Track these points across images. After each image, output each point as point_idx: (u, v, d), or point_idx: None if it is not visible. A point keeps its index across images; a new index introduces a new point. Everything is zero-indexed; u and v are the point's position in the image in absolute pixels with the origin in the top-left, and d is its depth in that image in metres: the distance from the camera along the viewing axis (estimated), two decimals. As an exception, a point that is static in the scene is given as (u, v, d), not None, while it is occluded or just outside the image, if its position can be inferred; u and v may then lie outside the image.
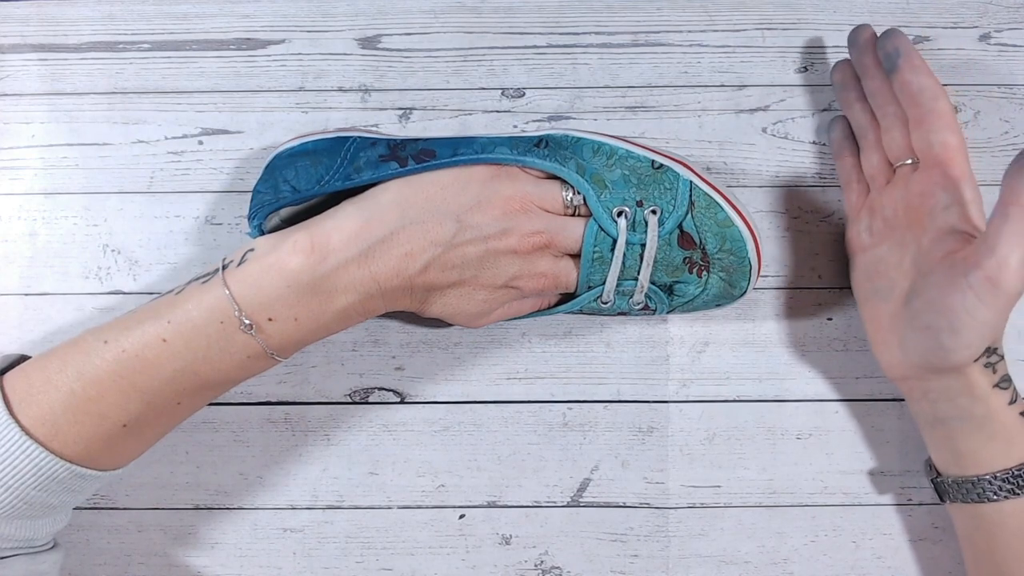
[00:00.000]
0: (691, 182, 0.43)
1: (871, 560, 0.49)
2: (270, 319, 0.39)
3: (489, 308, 0.43)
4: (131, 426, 0.38)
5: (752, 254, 0.43)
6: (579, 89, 0.49)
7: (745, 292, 0.44)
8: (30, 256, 0.49)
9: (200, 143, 0.49)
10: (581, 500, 0.49)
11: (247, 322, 0.38)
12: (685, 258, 0.42)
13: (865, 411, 0.49)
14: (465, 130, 0.49)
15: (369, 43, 0.49)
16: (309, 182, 0.42)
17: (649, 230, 0.41)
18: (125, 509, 0.49)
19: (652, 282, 0.43)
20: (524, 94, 0.49)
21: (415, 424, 0.49)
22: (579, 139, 0.44)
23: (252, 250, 0.40)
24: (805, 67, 0.49)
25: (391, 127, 0.49)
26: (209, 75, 0.49)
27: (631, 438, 0.49)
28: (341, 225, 0.39)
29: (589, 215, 0.42)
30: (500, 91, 0.49)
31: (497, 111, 0.49)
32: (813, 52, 0.49)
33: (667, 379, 0.49)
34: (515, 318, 0.45)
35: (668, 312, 0.45)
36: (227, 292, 0.38)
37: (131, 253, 0.49)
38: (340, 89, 0.49)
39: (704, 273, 0.43)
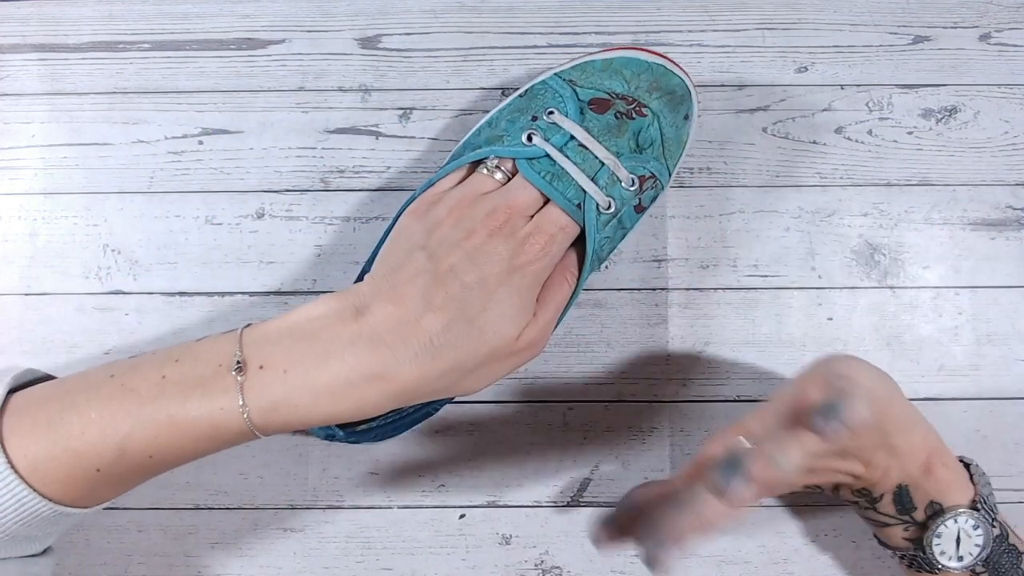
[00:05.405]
0: (554, 73, 0.43)
1: (871, 560, 0.49)
2: (261, 367, 0.35)
3: (521, 302, 0.38)
4: (104, 472, 0.35)
5: (650, 58, 0.43)
6: (579, 89, 0.49)
7: (688, 86, 0.44)
8: (30, 256, 0.49)
9: (200, 143, 0.49)
10: (581, 500, 0.49)
11: (239, 363, 0.35)
12: (615, 115, 0.42)
13: (865, 411, 0.49)
14: (465, 132, 0.49)
15: (369, 43, 0.49)
16: None
17: (562, 124, 0.41)
18: (125, 509, 0.49)
19: (620, 155, 0.41)
20: (524, 94, 0.49)
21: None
22: (465, 141, 0.44)
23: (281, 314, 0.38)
24: (805, 67, 0.49)
25: (391, 127, 0.49)
26: (209, 75, 0.49)
27: (631, 438, 0.49)
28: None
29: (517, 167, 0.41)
30: (500, 91, 0.49)
31: (497, 111, 0.49)
32: (813, 52, 0.49)
33: (667, 379, 0.49)
34: (567, 308, 0.42)
35: (671, 172, 0.44)
36: (239, 335, 0.36)
37: (131, 253, 0.49)
38: (340, 89, 0.49)
39: (644, 109, 0.42)
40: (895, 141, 0.49)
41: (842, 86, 0.49)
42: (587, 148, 0.40)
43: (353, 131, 0.49)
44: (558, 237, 0.40)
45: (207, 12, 0.49)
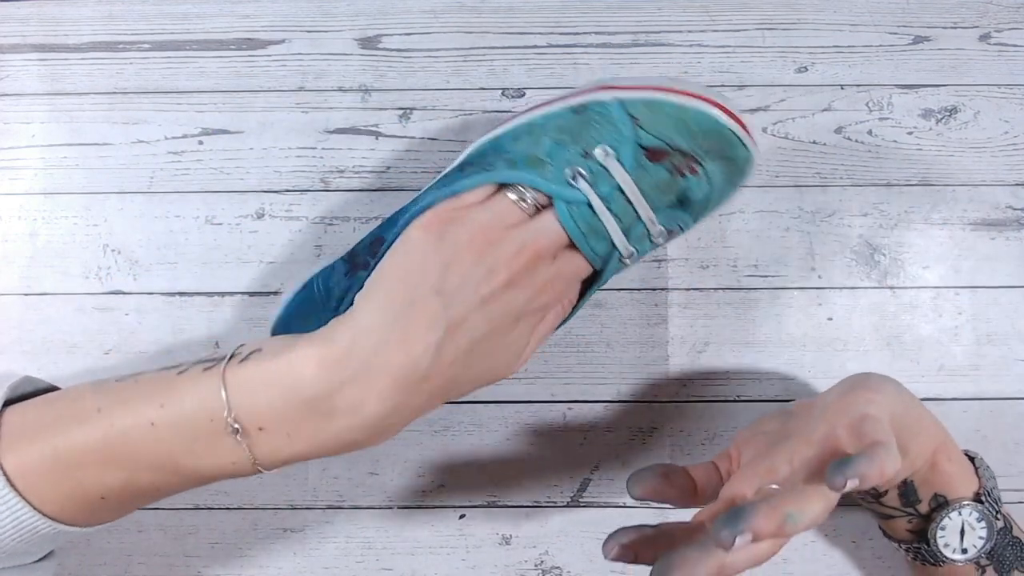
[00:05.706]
0: (619, 100, 0.39)
1: (871, 560, 0.49)
2: (261, 428, 0.35)
3: (520, 345, 0.38)
4: (109, 499, 0.36)
5: (725, 120, 0.38)
6: (579, 89, 0.49)
7: (751, 157, 0.40)
8: (30, 256, 0.49)
9: (200, 143, 0.49)
10: (581, 500, 0.49)
11: (235, 427, 0.34)
12: (668, 169, 0.38)
13: (865, 411, 0.49)
14: (465, 131, 0.49)
15: (369, 43, 0.49)
16: None
17: (614, 172, 0.37)
18: (125, 509, 0.49)
19: (658, 209, 0.39)
20: (524, 94, 0.49)
21: (415, 424, 0.49)
22: (495, 138, 0.41)
23: (260, 351, 0.36)
24: (805, 67, 0.49)
25: (391, 127, 0.49)
26: (209, 75, 0.49)
27: (631, 438, 0.49)
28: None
29: (551, 201, 0.37)
30: (500, 91, 0.49)
31: (497, 111, 0.49)
32: (813, 52, 0.49)
33: (667, 379, 0.49)
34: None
35: (696, 223, 0.41)
36: (223, 390, 0.35)
37: (131, 253, 0.49)
38: (340, 89, 0.49)
39: (698, 167, 0.39)
40: (895, 141, 0.49)
41: (842, 86, 0.49)
42: (631, 203, 0.38)
43: (353, 131, 0.49)
44: (574, 282, 0.39)
45: (207, 12, 0.49)
